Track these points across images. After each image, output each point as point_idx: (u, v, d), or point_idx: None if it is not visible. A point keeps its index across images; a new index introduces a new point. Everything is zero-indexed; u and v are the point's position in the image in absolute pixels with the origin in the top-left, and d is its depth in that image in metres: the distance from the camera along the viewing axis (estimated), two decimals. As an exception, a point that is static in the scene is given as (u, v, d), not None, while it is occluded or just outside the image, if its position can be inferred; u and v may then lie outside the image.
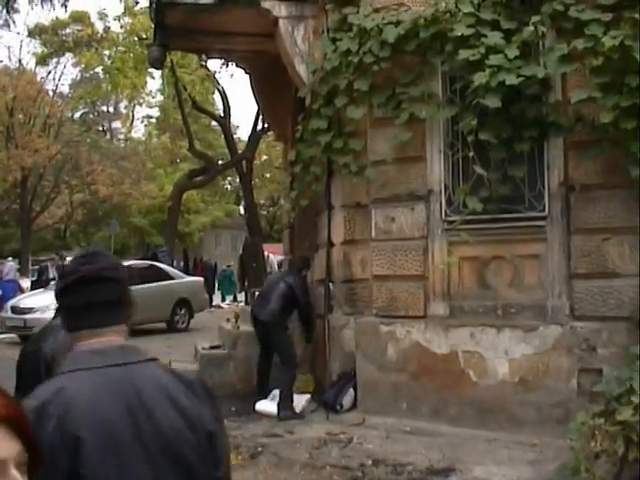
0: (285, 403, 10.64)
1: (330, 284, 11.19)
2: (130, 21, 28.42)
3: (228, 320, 13.63)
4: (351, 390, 10.56)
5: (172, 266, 27.29)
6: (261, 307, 11.34)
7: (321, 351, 11.41)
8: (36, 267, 34.26)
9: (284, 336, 11.18)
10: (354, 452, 8.85)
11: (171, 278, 23.02)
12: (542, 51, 9.24)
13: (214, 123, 42.96)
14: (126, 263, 23.18)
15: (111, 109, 60.33)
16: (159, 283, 21.87)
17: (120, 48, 28.78)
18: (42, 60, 45.26)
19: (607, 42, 8.05)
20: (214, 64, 30.59)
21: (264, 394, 11.00)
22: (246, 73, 15.55)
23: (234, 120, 69.30)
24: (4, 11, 30.62)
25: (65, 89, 55.14)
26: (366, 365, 10.40)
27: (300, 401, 10.82)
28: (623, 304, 8.88)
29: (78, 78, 51.24)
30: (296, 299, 11.23)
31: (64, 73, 68.44)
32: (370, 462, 8.43)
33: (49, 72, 51.62)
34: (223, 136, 37.48)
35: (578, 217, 9.20)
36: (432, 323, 9.96)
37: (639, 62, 7.97)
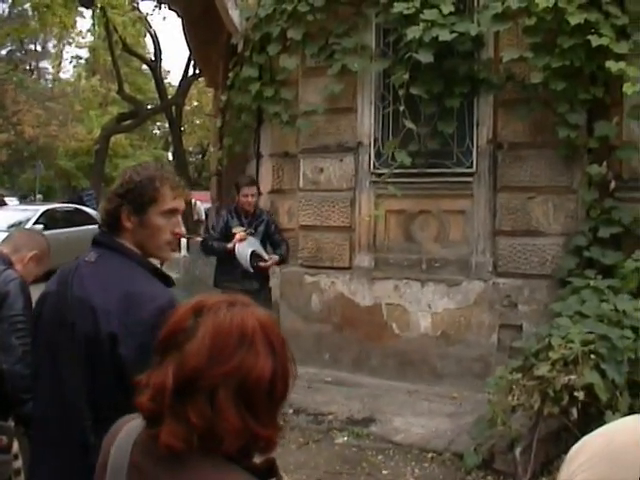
0: None
1: (257, 233, 11.14)
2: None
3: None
4: (274, 339, 10.57)
5: (97, 210, 26.96)
6: None
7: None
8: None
9: None
10: (275, 401, 8.89)
11: (96, 222, 22.61)
12: (477, 8, 9.26)
13: (145, 67, 42.22)
14: (51, 206, 22.96)
15: (39, 48, 58.91)
16: (84, 227, 21.51)
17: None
18: (-34, -7, 43.93)
19: (541, 3, 8.08)
20: (146, 6, 30.12)
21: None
22: (178, 16, 15.26)
23: (165, 65, 68.50)
24: None
25: (-9, 24, 53.77)
26: (290, 315, 10.43)
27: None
28: (545, 262, 9.01)
29: (5, 14, 49.89)
30: None
31: (-11, 8, 66.74)
32: (291, 411, 8.47)
33: (-26, 6, 50.25)
34: (153, 80, 36.92)
35: (505, 175, 9.29)
36: (357, 275, 10.02)
37: (571, 24, 8.04)
